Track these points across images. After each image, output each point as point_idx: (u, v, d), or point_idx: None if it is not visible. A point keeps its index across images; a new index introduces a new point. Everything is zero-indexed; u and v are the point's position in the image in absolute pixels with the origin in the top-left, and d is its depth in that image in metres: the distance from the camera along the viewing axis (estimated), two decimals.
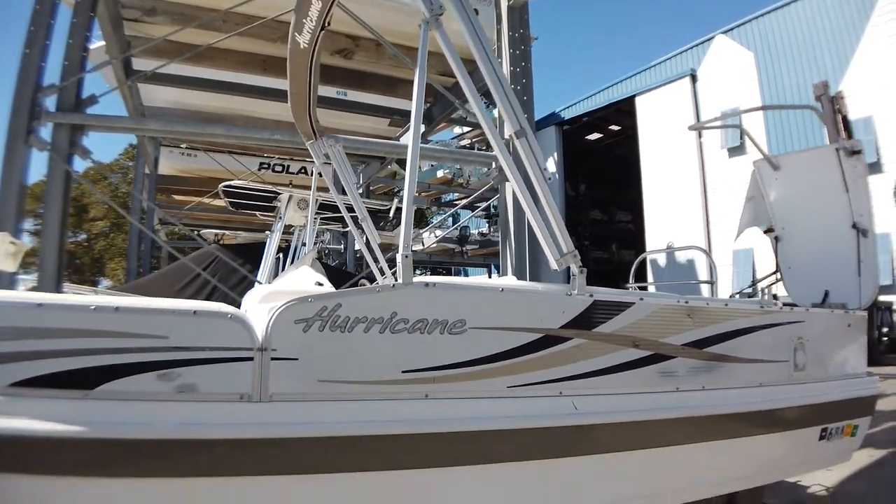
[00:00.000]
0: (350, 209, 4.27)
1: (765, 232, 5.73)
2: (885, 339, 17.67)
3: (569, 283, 3.08)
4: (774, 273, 5.29)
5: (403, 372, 2.60)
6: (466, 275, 42.09)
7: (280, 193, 8.75)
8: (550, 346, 2.88)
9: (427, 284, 2.71)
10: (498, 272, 38.59)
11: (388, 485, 2.59)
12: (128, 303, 2.36)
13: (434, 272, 48.16)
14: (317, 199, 7.57)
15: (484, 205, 10.12)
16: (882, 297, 18.00)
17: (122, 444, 2.20)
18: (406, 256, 2.68)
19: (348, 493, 2.54)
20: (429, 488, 2.68)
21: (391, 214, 10.16)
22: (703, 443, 3.38)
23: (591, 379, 2.97)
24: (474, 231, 35.60)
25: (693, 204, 25.82)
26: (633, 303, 3.17)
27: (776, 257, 5.28)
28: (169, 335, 2.28)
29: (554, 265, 3.04)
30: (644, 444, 3.13)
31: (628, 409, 3.07)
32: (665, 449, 3.21)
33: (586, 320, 2.99)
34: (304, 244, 8.73)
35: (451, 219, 43.49)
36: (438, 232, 32.68)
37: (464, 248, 32.24)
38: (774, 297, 4.68)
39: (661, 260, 27.42)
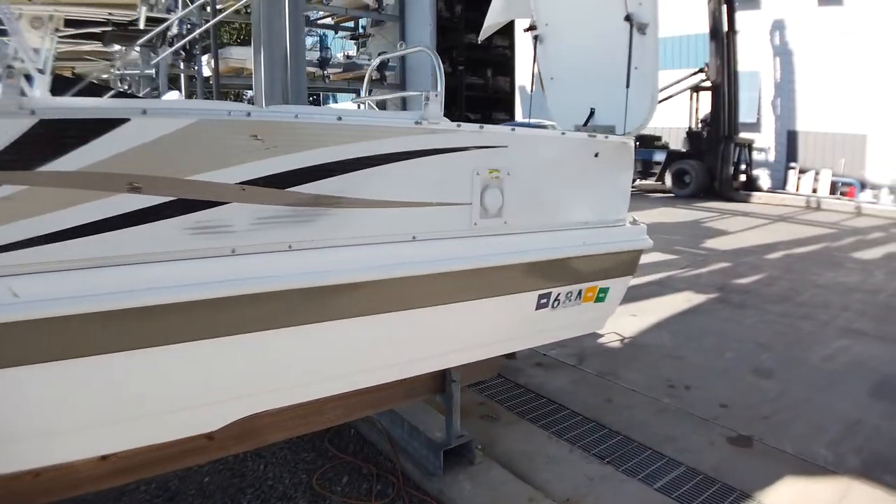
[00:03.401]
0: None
1: (525, 30, 4.61)
2: (743, 175, 17.74)
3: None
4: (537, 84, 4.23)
5: None
6: (336, 101, 39.79)
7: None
8: None
9: None
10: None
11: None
12: None
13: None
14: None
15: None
16: (745, 135, 17.95)
17: None
18: None
19: None
20: None
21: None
22: (338, 321, 2.61)
23: (37, 249, 1.95)
24: (339, 54, 32.99)
25: None
26: (124, 121, 1.98)
27: (535, 64, 4.20)
28: None
29: None
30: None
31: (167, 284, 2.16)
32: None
33: (25, 154, 1.89)
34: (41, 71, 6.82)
35: (318, 42, 40.52)
36: None
37: (325, 73, 30.05)
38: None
39: (529, 87, 26.52)
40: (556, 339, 4.00)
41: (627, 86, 3.54)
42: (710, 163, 17.26)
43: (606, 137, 3.36)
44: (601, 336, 6.14)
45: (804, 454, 3.88)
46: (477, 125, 2.86)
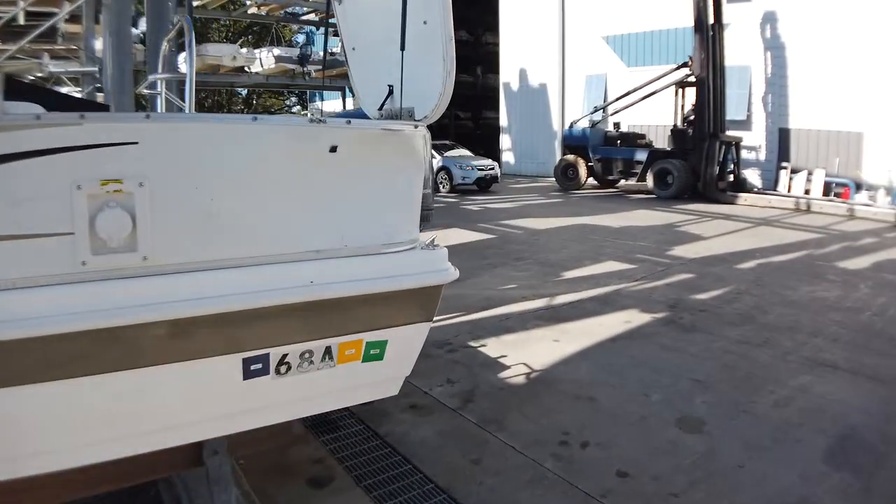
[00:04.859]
0: None
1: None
2: (731, 175, 16.50)
3: None
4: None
5: None
6: (322, 99, 38.79)
7: None
8: None
9: None
10: (353, 96, 36.57)
11: None
12: None
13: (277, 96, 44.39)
14: None
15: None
16: (734, 132, 16.84)
17: None
18: None
19: None
20: None
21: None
22: None
23: None
24: (321, 51, 32.00)
25: (549, 27, 23.65)
26: None
27: (343, 48, 3.15)
28: None
29: None
30: None
31: None
32: None
33: None
34: None
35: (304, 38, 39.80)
36: (277, 51, 29.12)
37: (305, 69, 29.13)
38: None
39: (515, 84, 25.71)
40: (312, 412, 2.83)
41: (402, 48, 2.49)
42: (694, 162, 15.97)
43: (353, 128, 2.23)
44: (506, 368, 4.98)
45: None
46: (77, 114, 1.80)
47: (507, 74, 26.67)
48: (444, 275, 2.48)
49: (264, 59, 29.07)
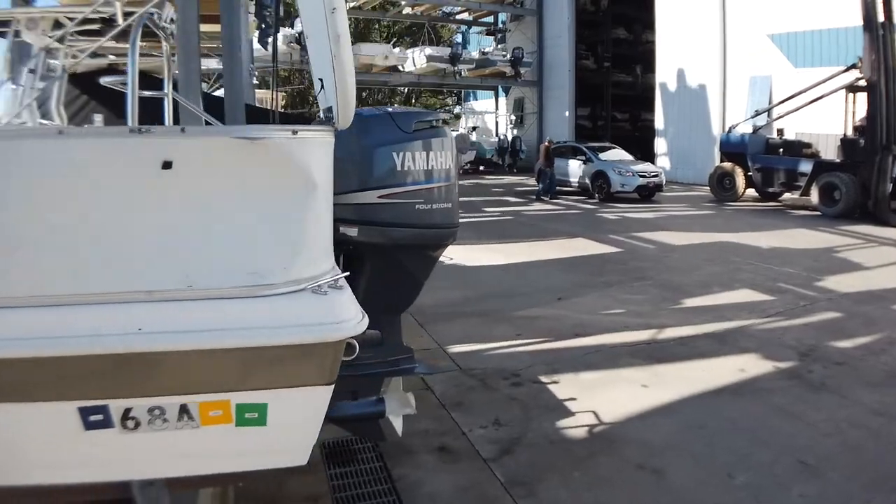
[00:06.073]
0: None
1: None
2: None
3: None
4: None
5: None
6: (476, 98, 38.90)
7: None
8: None
9: None
10: (506, 95, 36.10)
11: None
12: None
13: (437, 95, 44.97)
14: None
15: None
16: None
17: None
18: None
19: None
20: None
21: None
22: None
23: None
24: (474, 52, 32.19)
25: (710, 23, 21.53)
26: None
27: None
28: None
29: None
30: None
31: None
32: None
33: None
34: (31, 71, 6.79)
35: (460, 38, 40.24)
36: (428, 50, 29.70)
37: (455, 68, 29.37)
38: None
39: (672, 85, 24.18)
40: (197, 472, 2.37)
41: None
42: (865, 177, 13.77)
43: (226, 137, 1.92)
44: (569, 415, 4.32)
45: None
46: None
47: (664, 74, 25.03)
48: (335, 329, 1.96)
49: (416, 59, 29.58)
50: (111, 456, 2.04)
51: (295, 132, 1.95)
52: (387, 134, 2.93)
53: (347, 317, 1.99)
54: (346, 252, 3.11)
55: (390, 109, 3.41)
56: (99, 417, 1.91)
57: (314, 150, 2.01)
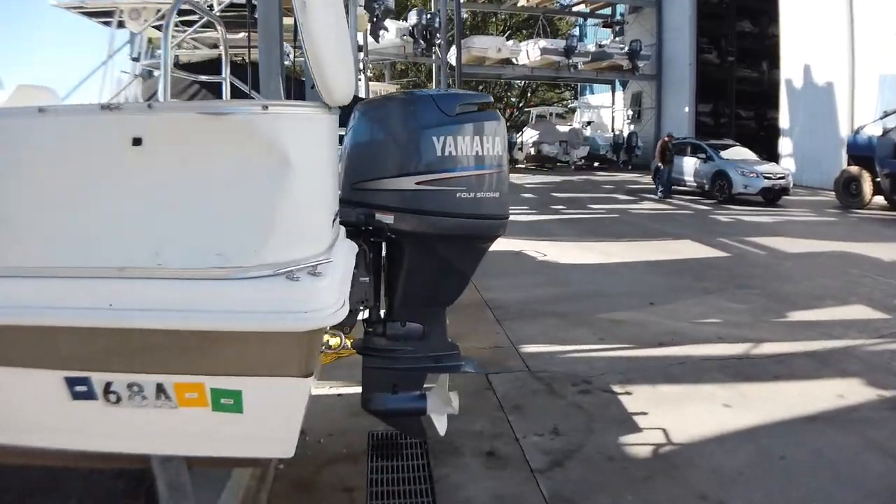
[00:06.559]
0: None
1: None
2: None
3: None
4: None
5: None
6: (592, 92, 38.01)
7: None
8: None
9: None
10: (623, 89, 34.91)
11: None
12: None
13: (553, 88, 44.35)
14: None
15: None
16: None
17: None
18: None
19: None
20: None
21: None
22: None
23: None
24: (591, 45, 31.41)
25: (837, 16, 19.75)
26: None
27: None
28: None
29: None
30: None
31: None
32: None
33: None
34: (135, 59, 7.52)
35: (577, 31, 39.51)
36: (542, 43, 29.32)
37: (570, 61, 28.78)
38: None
39: (798, 82, 22.48)
40: (180, 452, 2.24)
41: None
42: None
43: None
44: (636, 431, 3.98)
45: None
46: None
47: (789, 70, 23.23)
48: (302, 318, 1.81)
49: (530, 51, 29.18)
50: (101, 428, 2.06)
51: (265, 107, 1.85)
52: (427, 117, 2.73)
53: (318, 306, 1.84)
54: (387, 240, 2.97)
55: (434, 91, 3.22)
56: (83, 388, 1.92)
57: (291, 126, 1.88)
